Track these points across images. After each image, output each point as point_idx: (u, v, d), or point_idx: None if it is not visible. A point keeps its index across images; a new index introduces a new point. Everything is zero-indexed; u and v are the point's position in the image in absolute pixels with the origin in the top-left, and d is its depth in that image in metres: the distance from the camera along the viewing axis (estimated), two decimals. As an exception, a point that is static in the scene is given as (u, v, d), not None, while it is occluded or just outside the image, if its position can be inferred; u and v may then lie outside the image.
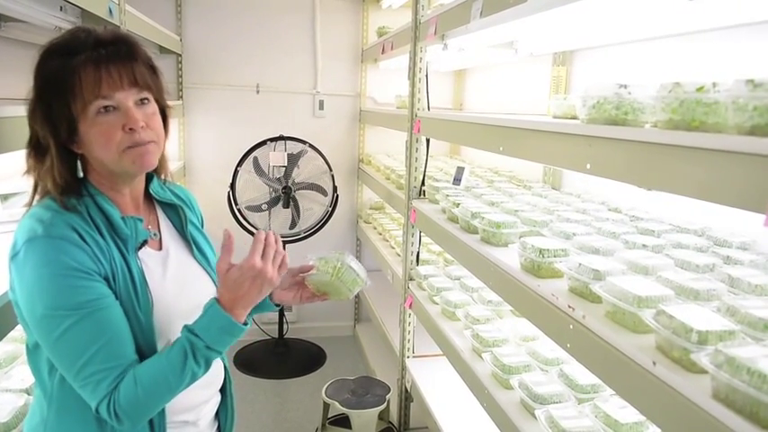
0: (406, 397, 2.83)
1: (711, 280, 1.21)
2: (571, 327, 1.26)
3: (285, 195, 3.60)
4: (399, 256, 2.94)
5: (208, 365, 1.09)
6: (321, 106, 4.11)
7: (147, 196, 1.25)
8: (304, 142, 3.61)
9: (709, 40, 1.81)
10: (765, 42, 1.61)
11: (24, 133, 1.40)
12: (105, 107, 1.05)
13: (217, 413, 1.34)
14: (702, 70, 1.84)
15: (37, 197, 1.12)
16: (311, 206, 3.70)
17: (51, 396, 1.10)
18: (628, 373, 1.07)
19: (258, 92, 4.00)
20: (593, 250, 1.46)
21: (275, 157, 3.57)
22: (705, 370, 0.89)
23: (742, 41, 1.69)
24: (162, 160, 1.21)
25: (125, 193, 1.17)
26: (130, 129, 1.06)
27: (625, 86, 1.18)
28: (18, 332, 1.81)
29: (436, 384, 2.53)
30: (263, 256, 1.10)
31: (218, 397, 1.34)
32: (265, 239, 1.12)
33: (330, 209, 3.69)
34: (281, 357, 3.91)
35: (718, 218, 1.72)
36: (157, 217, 1.26)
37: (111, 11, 2.15)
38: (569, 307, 1.28)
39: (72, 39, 1.07)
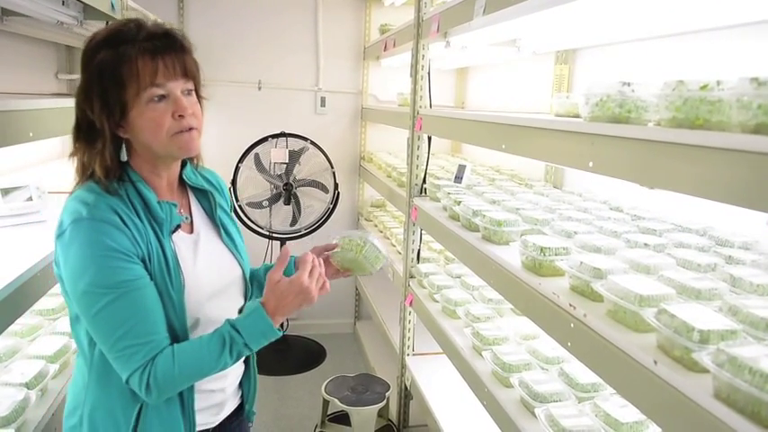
0: (406, 395, 2.83)
1: (713, 279, 1.21)
2: (572, 325, 1.26)
3: (286, 192, 3.60)
4: (400, 253, 2.94)
5: (238, 359, 1.18)
6: (323, 103, 4.10)
7: (180, 181, 1.33)
8: (305, 139, 3.60)
9: (713, 39, 1.80)
10: (769, 42, 1.61)
11: (26, 126, 1.40)
12: (159, 96, 1.13)
13: (240, 383, 1.43)
14: (706, 69, 1.84)
15: (78, 180, 1.21)
16: (312, 203, 3.69)
17: (92, 365, 1.19)
18: (629, 372, 1.06)
19: (260, 88, 3.99)
20: (594, 249, 1.45)
21: (276, 154, 3.57)
22: (707, 369, 0.88)
23: (746, 40, 1.68)
24: None
25: (162, 176, 1.25)
26: (180, 115, 1.15)
27: (628, 84, 1.17)
28: (18, 326, 1.81)
29: (436, 382, 2.53)
30: (310, 275, 1.21)
31: (242, 367, 1.43)
32: (312, 261, 1.23)
33: (331, 206, 3.68)
34: (280, 354, 3.90)
35: (719, 217, 1.72)
36: (189, 201, 1.34)
37: (113, 5, 2.15)
38: (570, 305, 1.27)
39: (122, 30, 1.14)
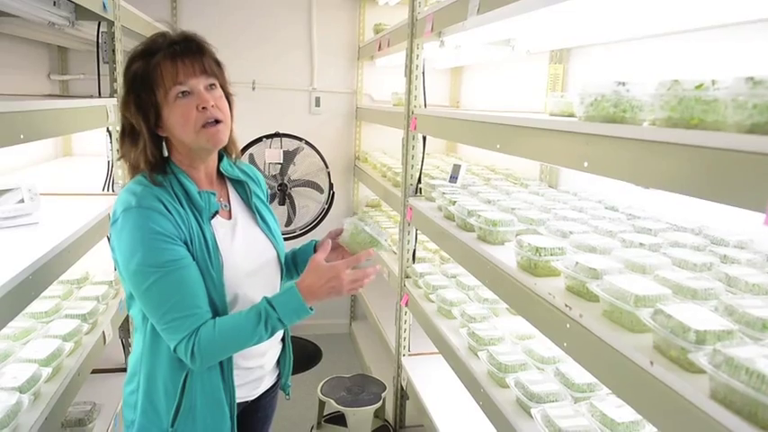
0: (402, 395, 2.82)
1: (709, 279, 1.21)
2: (568, 326, 1.25)
3: (281, 192, 3.59)
4: (395, 253, 2.93)
5: (272, 334, 1.30)
6: (317, 103, 4.09)
7: (219, 174, 1.47)
8: (300, 139, 3.59)
9: (708, 38, 1.80)
10: (765, 40, 1.60)
11: (16, 128, 1.39)
12: (182, 92, 1.27)
13: (278, 361, 1.59)
14: (701, 68, 1.84)
15: (130, 177, 1.36)
16: (307, 203, 3.68)
17: (145, 337, 1.35)
18: (625, 372, 1.06)
19: (254, 88, 3.98)
20: (590, 249, 1.45)
21: (271, 154, 3.56)
22: (703, 370, 0.88)
23: (741, 39, 1.68)
24: (231, 143, 1.44)
25: (200, 169, 1.39)
26: (203, 108, 1.28)
27: (623, 84, 1.17)
28: (9, 329, 1.80)
29: (432, 382, 2.52)
30: (353, 270, 1.33)
31: (280, 346, 1.60)
32: (360, 268, 1.36)
33: (326, 206, 3.68)
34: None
35: (714, 216, 1.72)
36: (228, 191, 1.48)
37: (104, 6, 2.13)
38: (566, 306, 1.27)
39: (151, 43, 1.30)
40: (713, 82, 0.93)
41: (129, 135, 1.33)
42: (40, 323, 1.93)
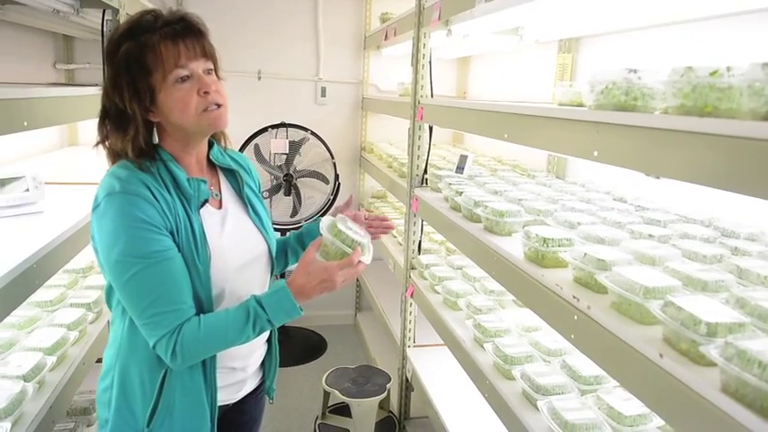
0: (407, 386, 2.82)
1: (720, 271, 1.19)
2: (576, 317, 1.24)
3: (286, 183, 3.57)
4: (401, 244, 2.92)
5: (261, 333, 1.24)
6: (323, 93, 4.07)
7: (210, 162, 1.40)
8: (306, 129, 3.58)
9: (720, 27, 1.77)
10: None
11: (20, 115, 1.38)
12: (183, 77, 1.20)
13: (263, 363, 1.52)
14: (713, 57, 1.80)
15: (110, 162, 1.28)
16: (313, 194, 3.67)
17: (123, 331, 1.28)
18: (634, 365, 1.04)
19: (260, 78, 3.96)
20: (598, 240, 1.43)
21: (277, 145, 3.54)
22: (714, 363, 0.87)
23: (753, 28, 1.65)
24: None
25: (192, 154, 1.32)
26: (205, 92, 1.22)
27: (635, 71, 1.14)
28: (14, 318, 1.80)
29: (437, 374, 2.52)
30: (343, 269, 1.24)
31: (265, 347, 1.52)
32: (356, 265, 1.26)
33: (332, 197, 3.66)
34: (281, 345, 3.87)
35: (725, 208, 1.69)
36: (219, 180, 1.41)
37: (109, -7, 2.12)
38: (574, 297, 1.25)
39: (141, 21, 1.22)
40: (728, 69, 0.91)
41: (114, 120, 1.24)
42: (45, 312, 1.93)
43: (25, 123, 1.39)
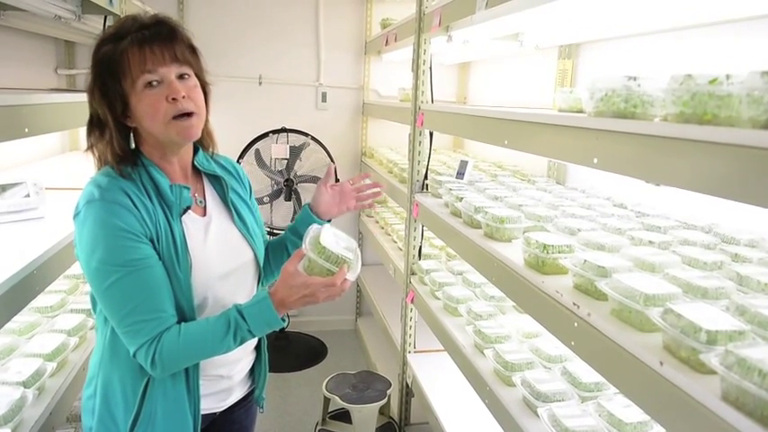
0: (407, 392, 2.81)
1: (720, 278, 1.19)
2: (576, 324, 1.24)
3: (287, 188, 3.58)
4: (401, 250, 2.92)
5: (242, 344, 1.22)
6: (324, 98, 4.08)
7: (196, 168, 1.38)
8: (306, 135, 3.58)
9: (720, 34, 1.77)
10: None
11: (21, 121, 1.38)
12: (150, 82, 1.18)
13: (252, 371, 1.49)
14: (712, 64, 1.81)
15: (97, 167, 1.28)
16: (313, 199, 3.66)
17: (105, 339, 1.28)
18: (634, 372, 1.04)
19: (261, 83, 3.97)
20: (598, 246, 1.43)
21: (277, 150, 3.54)
22: (714, 371, 0.86)
23: (752, 35, 1.66)
24: (208, 135, 1.38)
25: (173, 162, 1.30)
26: (173, 99, 1.19)
27: (634, 79, 1.14)
28: (15, 324, 1.80)
29: (437, 380, 2.51)
30: (326, 287, 1.21)
31: (253, 356, 1.49)
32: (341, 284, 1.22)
33: (332, 202, 3.66)
34: (281, 351, 3.89)
35: (725, 215, 1.69)
36: (204, 186, 1.39)
37: (111, 0, 2.12)
38: (574, 304, 1.25)
39: (120, 26, 1.21)
40: (727, 76, 0.91)
41: (96, 125, 1.24)
42: (46, 318, 1.93)
43: (26, 130, 1.39)
